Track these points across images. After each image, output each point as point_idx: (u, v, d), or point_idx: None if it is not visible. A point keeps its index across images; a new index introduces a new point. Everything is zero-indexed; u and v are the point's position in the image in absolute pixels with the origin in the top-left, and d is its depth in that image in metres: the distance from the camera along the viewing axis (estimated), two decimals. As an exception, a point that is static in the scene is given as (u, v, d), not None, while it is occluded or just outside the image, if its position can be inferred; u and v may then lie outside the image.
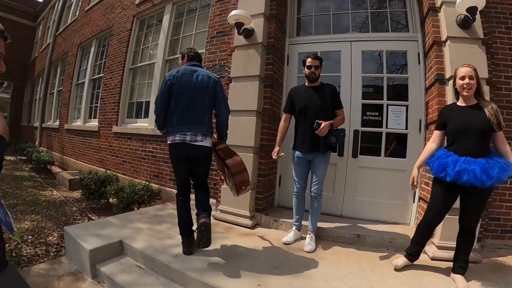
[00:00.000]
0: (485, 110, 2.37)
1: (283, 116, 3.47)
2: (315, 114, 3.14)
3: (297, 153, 3.27)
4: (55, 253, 3.29)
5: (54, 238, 3.64)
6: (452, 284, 2.44)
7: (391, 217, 3.69)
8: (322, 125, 3.00)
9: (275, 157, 3.33)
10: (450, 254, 2.90)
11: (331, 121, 3.07)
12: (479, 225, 2.89)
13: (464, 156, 2.34)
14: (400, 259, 2.72)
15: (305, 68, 3.25)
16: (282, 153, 3.39)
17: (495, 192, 3.18)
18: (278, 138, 3.42)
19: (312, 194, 3.25)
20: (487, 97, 2.94)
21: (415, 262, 2.74)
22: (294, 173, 3.35)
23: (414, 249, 2.71)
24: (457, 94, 2.57)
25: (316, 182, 3.21)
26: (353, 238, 3.36)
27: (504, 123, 2.42)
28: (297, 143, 3.29)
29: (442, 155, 2.48)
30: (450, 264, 2.83)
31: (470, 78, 2.40)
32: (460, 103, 2.55)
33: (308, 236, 3.26)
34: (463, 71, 2.45)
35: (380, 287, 2.41)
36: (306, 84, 3.33)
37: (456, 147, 2.46)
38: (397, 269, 2.66)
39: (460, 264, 2.50)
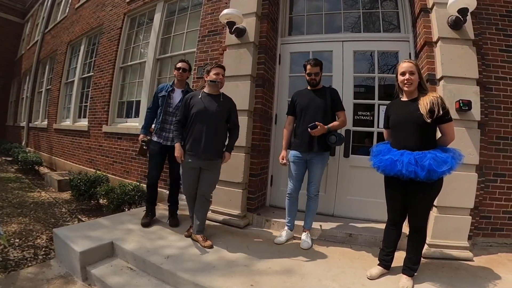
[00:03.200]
0: (418, 103, 2.34)
1: (287, 119, 3.45)
2: (314, 114, 3.15)
3: (295, 152, 3.26)
4: (44, 256, 3.21)
5: (43, 241, 3.57)
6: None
7: (382, 216, 3.65)
8: (319, 127, 3.00)
9: (282, 163, 3.31)
10: (442, 252, 2.96)
11: (328, 126, 3.07)
12: (430, 230, 2.95)
13: (402, 150, 2.35)
14: (375, 268, 2.59)
15: (306, 75, 3.26)
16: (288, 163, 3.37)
17: (486, 190, 3.24)
18: (284, 143, 3.39)
19: (309, 194, 3.25)
20: (473, 96, 3.00)
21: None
22: (289, 173, 3.34)
23: (384, 252, 2.62)
24: (400, 89, 2.53)
25: (312, 183, 3.21)
26: (345, 237, 3.37)
27: (449, 116, 2.34)
28: (294, 142, 3.29)
29: (382, 150, 2.51)
30: (443, 262, 2.87)
31: (410, 73, 2.38)
32: (403, 98, 2.54)
33: (304, 234, 3.27)
34: (403, 66, 2.43)
35: (372, 285, 2.42)
36: (308, 87, 3.35)
37: (395, 141, 2.48)
38: (372, 279, 2.50)
39: (407, 265, 2.46)
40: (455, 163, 2.25)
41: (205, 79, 3.17)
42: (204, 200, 3.19)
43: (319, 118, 3.10)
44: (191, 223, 3.35)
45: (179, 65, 3.67)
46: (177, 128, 3.12)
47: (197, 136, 3.02)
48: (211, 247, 3.02)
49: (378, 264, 2.62)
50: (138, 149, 3.83)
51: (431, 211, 3.05)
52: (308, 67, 3.20)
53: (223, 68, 3.21)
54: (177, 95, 3.64)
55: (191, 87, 4.75)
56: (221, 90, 3.23)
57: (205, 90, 3.18)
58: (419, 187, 2.30)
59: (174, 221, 3.65)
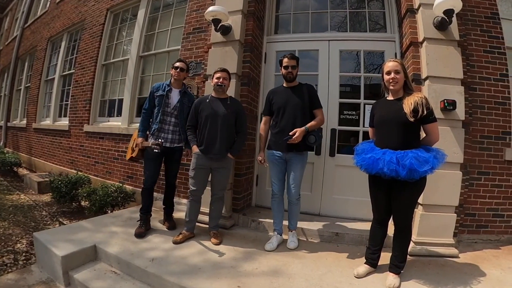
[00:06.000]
0: (403, 102, 2.36)
1: (263, 119, 3.42)
2: (292, 113, 3.10)
3: (274, 152, 3.18)
4: (25, 261, 3.11)
5: (23, 246, 3.45)
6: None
7: (369, 215, 3.68)
8: (297, 133, 2.96)
9: (263, 164, 3.28)
10: (428, 249, 3.00)
11: (306, 126, 3.03)
12: (416, 228, 3.01)
13: (384, 149, 2.36)
14: (362, 267, 2.60)
15: (282, 69, 3.21)
16: (267, 164, 3.33)
17: (470, 188, 3.30)
18: (261, 143, 3.36)
19: (290, 199, 3.17)
20: (458, 96, 3.04)
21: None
22: (271, 173, 3.30)
23: (370, 251, 2.65)
24: (387, 88, 2.54)
25: (293, 185, 3.12)
26: (331, 236, 3.38)
27: (434, 116, 2.36)
28: (273, 142, 3.21)
29: (365, 149, 2.52)
30: (429, 259, 2.91)
31: (396, 72, 2.39)
32: (390, 97, 2.55)
33: (290, 233, 3.24)
34: (389, 65, 2.44)
35: (359, 284, 2.43)
36: (284, 84, 3.30)
37: (378, 140, 2.50)
38: (359, 277, 2.52)
39: (394, 262, 2.49)
40: (437, 163, 2.26)
41: (212, 83, 3.29)
42: (217, 198, 3.36)
43: (297, 117, 3.07)
44: (185, 228, 3.29)
45: (177, 64, 3.51)
46: (191, 133, 3.32)
47: (208, 138, 3.17)
48: (218, 244, 3.18)
49: (365, 263, 2.64)
50: (133, 154, 3.47)
51: (416, 209, 3.09)
52: (285, 60, 3.16)
53: (226, 71, 3.29)
54: (174, 95, 3.51)
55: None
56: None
57: (213, 94, 3.32)
58: (402, 186, 2.31)
59: (171, 224, 3.61)
